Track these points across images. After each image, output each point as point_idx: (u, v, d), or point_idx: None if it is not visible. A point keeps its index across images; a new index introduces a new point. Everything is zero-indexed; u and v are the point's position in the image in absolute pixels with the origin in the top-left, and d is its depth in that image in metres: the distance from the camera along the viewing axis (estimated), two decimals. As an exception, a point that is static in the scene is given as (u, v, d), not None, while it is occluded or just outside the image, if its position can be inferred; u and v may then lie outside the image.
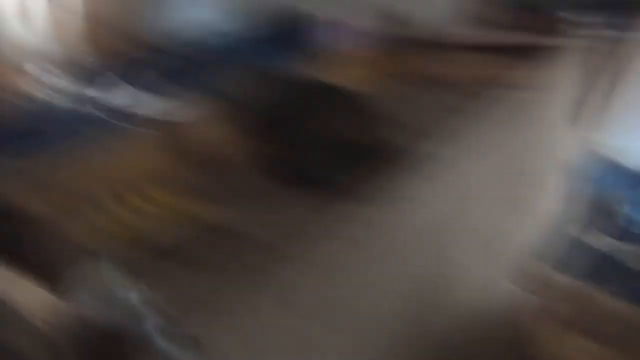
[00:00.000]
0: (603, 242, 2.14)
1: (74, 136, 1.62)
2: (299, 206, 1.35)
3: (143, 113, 1.64)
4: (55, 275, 0.99)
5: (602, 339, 1.30)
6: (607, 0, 2.32)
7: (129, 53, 3.13)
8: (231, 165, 1.47)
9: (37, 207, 1.10)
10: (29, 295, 0.69)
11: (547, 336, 1.41)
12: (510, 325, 1.50)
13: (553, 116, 1.77)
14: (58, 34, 2.80)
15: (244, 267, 0.93)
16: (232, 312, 0.70)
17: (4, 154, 1.18)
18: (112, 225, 1.19)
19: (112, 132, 1.42)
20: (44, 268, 1.04)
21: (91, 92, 2.80)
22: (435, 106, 1.97)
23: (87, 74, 2.90)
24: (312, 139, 1.46)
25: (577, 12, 2.33)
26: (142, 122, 1.46)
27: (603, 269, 1.97)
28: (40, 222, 1.07)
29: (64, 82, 2.80)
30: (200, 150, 1.43)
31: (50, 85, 2.78)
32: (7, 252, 0.95)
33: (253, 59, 1.91)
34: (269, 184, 1.44)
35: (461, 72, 2.14)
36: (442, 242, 1.23)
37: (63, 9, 2.78)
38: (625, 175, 2.60)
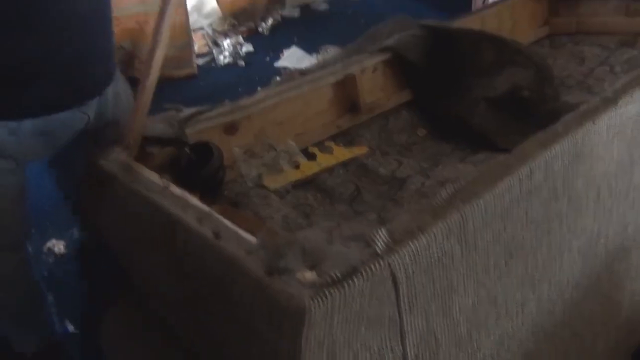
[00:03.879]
0: None
1: (248, 89, 1.71)
2: (461, 160, 1.32)
3: (307, 68, 1.68)
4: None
5: None
6: None
7: (288, 13, 3.25)
8: (395, 116, 1.47)
9: (231, 148, 1.19)
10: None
11: None
12: None
13: None
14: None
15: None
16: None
17: (195, 104, 1.29)
18: (291, 170, 1.26)
19: (284, 85, 1.47)
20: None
21: (256, 50, 2.96)
22: (612, 62, 1.79)
23: (251, 34, 3.07)
24: (478, 94, 1.40)
25: None
26: (309, 76, 1.50)
27: None
28: (231, 161, 1.17)
29: (232, 41, 3.00)
30: (367, 101, 1.44)
31: (221, 44, 2.98)
32: (204, 186, 1.04)
33: (410, 14, 1.86)
34: (434, 138, 1.42)
35: (636, 27, 1.91)
36: (637, 209, 1.12)
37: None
38: None
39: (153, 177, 0.94)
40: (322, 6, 3.48)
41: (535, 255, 0.89)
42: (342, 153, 1.36)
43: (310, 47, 2.97)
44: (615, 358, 1.24)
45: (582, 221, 0.97)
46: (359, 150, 1.38)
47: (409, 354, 0.74)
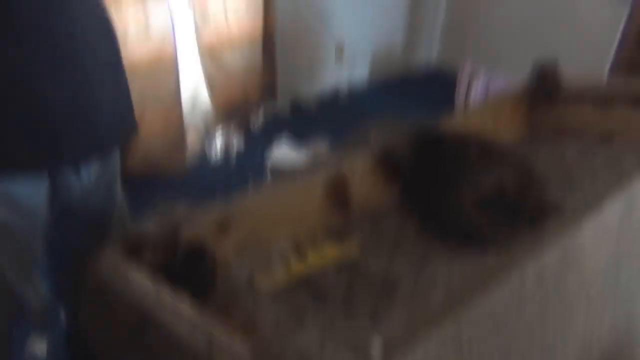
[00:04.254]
0: None
1: (239, 185, 1.74)
2: (454, 260, 1.33)
3: (298, 165, 1.73)
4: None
5: None
6: None
7: (279, 110, 3.37)
8: (386, 215, 1.49)
9: (222, 248, 1.20)
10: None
11: None
12: None
13: None
14: (214, 92, 3.09)
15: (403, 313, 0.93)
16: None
17: (186, 201, 1.31)
18: (282, 269, 1.26)
19: (275, 182, 1.51)
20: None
21: (248, 146, 3.04)
22: (593, 161, 1.86)
23: (243, 130, 3.16)
24: (466, 194, 1.44)
25: None
26: (300, 174, 1.55)
27: None
28: (222, 262, 1.17)
29: (223, 137, 3.07)
30: (358, 200, 1.47)
31: (213, 140, 3.06)
32: (195, 290, 1.03)
33: (397, 112, 1.95)
34: (424, 236, 1.43)
35: (619, 125, 2.00)
36: (624, 310, 1.12)
37: (220, 68, 3.07)
38: None
39: (145, 281, 0.93)
40: (313, 102, 3.61)
41: (531, 360, 0.89)
42: (333, 252, 1.36)
43: (300, 143, 3.06)
44: None
45: (573, 323, 0.97)
46: (350, 249, 1.38)
47: None
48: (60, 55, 0.96)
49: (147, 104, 2.67)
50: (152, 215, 1.15)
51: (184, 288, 0.95)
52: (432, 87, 3.84)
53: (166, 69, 2.69)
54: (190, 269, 1.05)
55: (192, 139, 3.02)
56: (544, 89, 2.12)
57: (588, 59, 3.13)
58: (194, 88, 3.08)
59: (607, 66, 3.06)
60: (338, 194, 1.49)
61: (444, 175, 1.57)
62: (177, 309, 0.83)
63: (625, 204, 1.08)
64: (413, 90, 3.79)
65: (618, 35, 3.04)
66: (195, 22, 2.86)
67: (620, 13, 2.99)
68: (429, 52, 4.10)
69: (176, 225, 1.13)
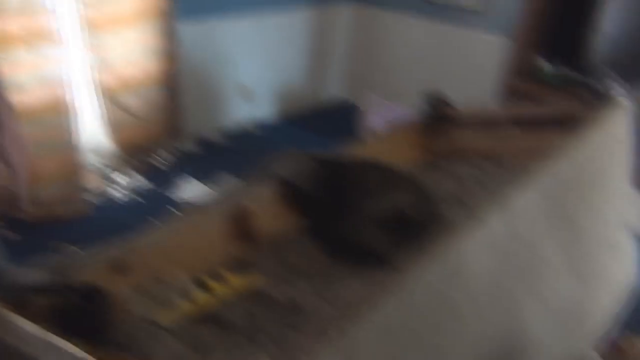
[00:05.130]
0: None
1: (144, 224, 1.71)
2: (354, 279, 1.37)
3: (203, 201, 1.73)
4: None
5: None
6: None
7: (184, 148, 3.35)
8: (289, 243, 1.52)
9: (119, 288, 1.16)
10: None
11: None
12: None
13: (611, 181, 1.74)
14: (115, 133, 3.03)
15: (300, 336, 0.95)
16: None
17: (85, 243, 1.27)
18: (185, 304, 1.24)
19: (178, 219, 1.50)
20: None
21: (152, 185, 2.97)
22: (482, 179, 2.00)
23: (147, 169, 3.10)
24: (366, 216, 1.50)
25: (616, 82, 2.36)
26: (204, 209, 1.55)
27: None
28: (120, 302, 1.13)
29: (126, 178, 3.00)
30: (262, 231, 1.48)
31: (115, 181, 2.97)
32: (90, 331, 1.00)
33: (303, 145, 2.01)
34: (326, 260, 1.47)
35: (505, 146, 2.18)
36: (510, 313, 1.20)
37: (120, 108, 3.03)
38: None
39: (32, 328, 0.88)
40: (218, 139, 3.61)
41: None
42: (238, 283, 1.36)
43: (206, 179, 3.03)
44: None
45: (463, 330, 1.02)
46: (255, 279, 1.39)
47: None
48: None
49: (42, 149, 2.56)
50: (40, 262, 1.11)
51: (78, 331, 0.91)
52: (337, 120, 3.96)
53: (61, 113, 2.61)
54: (83, 312, 1.01)
55: (93, 181, 2.92)
56: (436, 116, 2.27)
57: (475, 88, 3.37)
58: (93, 130, 3.00)
59: (493, 93, 3.31)
60: (241, 226, 1.50)
61: (346, 200, 1.63)
62: (65, 353, 0.80)
63: (506, 218, 1.17)
64: (318, 124, 3.89)
65: (500, 65, 3.30)
66: (94, 66, 2.81)
67: (502, 45, 3.26)
68: (333, 89, 4.25)
69: (67, 269, 1.09)
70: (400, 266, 0.93)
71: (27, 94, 2.47)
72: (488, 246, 1.10)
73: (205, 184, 2.99)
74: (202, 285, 1.32)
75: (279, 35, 3.74)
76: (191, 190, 2.92)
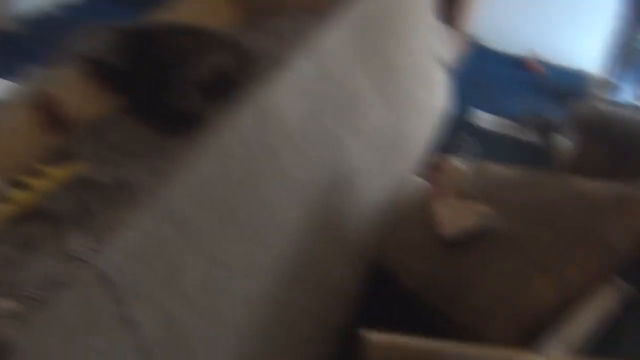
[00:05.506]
0: (491, 123, 2.29)
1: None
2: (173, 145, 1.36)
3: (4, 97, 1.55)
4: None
5: (492, 201, 1.42)
6: None
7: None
8: (108, 123, 1.44)
9: None
10: None
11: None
12: (418, 209, 1.60)
13: (417, 14, 1.83)
14: None
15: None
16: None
17: None
18: (2, 206, 1.15)
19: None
20: None
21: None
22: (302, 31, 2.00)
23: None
24: (185, 82, 1.45)
25: None
26: (4, 105, 1.39)
27: (494, 146, 2.13)
28: None
29: None
30: (73, 114, 1.38)
31: None
32: None
33: (110, 20, 1.83)
34: (149, 134, 1.42)
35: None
36: (333, 148, 1.27)
37: None
38: (499, 59, 2.77)
39: None
40: (14, 27, 3.18)
41: (254, 214, 0.97)
42: (58, 174, 1.28)
43: (8, 74, 2.70)
44: (355, 279, 1.41)
45: (288, 171, 1.07)
46: (77, 167, 1.31)
47: (148, 343, 0.75)
48: None
49: None
50: None
51: None
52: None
53: None
54: None
55: None
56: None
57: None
58: None
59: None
60: (50, 114, 1.38)
61: (162, 70, 1.54)
62: None
63: (315, 60, 1.19)
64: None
65: None
66: None
67: None
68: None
69: None
70: (214, 122, 0.93)
71: None
72: (299, 89, 1.13)
73: (6, 79, 2.66)
74: (19, 184, 1.23)
75: None
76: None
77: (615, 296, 1.26)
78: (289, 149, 1.07)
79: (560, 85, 2.59)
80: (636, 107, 2.14)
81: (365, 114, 1.42)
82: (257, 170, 0.97)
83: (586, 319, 1.18)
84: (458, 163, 1.80)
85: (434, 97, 2.00)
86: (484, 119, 2.31)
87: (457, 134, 2.13)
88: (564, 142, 2.03)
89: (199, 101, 1.45)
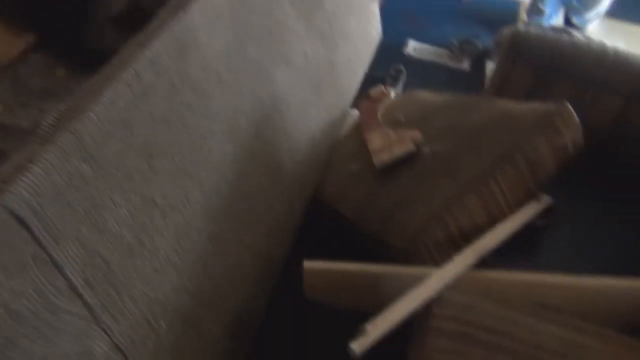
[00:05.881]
0: (422, 52, 2.30)
1: None
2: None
3: None
4: None
5: (422, 126, 1.45)
6: None
7: None
8: (21, 64, 1.35)
9: None
10: None
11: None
12: (352, 141, 1.61)
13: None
14: None
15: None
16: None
17: None
18: None
19: None
20: None
21: None
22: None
23: None
24: (96, 14, 1.36)
25: None
26: None
27: (427, 75, 2.15)
28: None
29: None
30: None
31: None
32: None
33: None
34: (62, 71, 1.35)
35: None
36: (261, 80, 1.25)
37: None
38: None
39: None
40: None
41: (179, 148, 0.95)
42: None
43: None
44: (293, 212, 1.43)
45: (214, 105, 1.05)
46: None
47: (76, 282, 0.74)
48: None
49: None
50: None
51: None
52: None
53: None
54: None
55: None
56: None
57: None
58: None
59: None
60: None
61: (75, 6, 1.45)
62: None
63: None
64: None
65: None
66: None
67: None
68: None
69: None
70: (116, 55, 0.88)
71: None
72: (219, 17, 1.08)
73: None
74: None
75: None
76: None
77: (536, 210, 1.33)
78: (213, 81, 1.04)
79: (491, 12, 2.62)
80: (563, 31, 2.19)
81: (293, 44, 1.40)
82: (182, 105, 0.95)
83: (504, 232, 1.24)
84: (390, 92, 1.81)
85: (364, 26, 1.98)
86: (416, 48, 2.32)
87: (389, 63, 2.13)
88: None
89: (115, 35, 1.38)
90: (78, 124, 0.75)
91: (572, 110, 1.34)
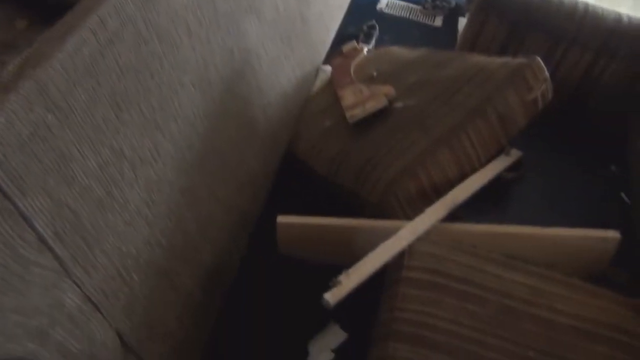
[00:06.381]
0: (396, 8, 2.28)
1: None
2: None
3: None
4: None
5: (395, 82, 1.45)
6: None
7: None
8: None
9: None
10: None
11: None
12: (325, 97, 1.60)
13: None
14: None
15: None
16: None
17: None
18: None
19: None
20: None
21: None
22: None
23: None
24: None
25: None
26: None
27: (400, 31, 2.14)
28: None
29: None
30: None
31: None
32: None
33: None
34: (39, 26, 1.30)
35: None
36: (231, 32, 1.22)
37: None
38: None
39: None
40: None
41: (148, 99, 0.93)
42: None
43: None
44: (266, 168, 1.42)
45: (183, 56, 1.02)
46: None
47: (45, 234, 0.72)
48: None
49: None
50: None
51: None
52: None
53: None
54: None
55: None
56: None
57: None
58: None
59: None
60: None
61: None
62: None
63: None
64: None
65: None
66: None
67: None
68: None
69: None
70: (92, 4, 0.85)
71: None
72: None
73: None
74: None
75: None
76: None
77: (506, 163, 1.35)
78: (182, 31, 1.01)
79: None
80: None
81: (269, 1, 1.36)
82: (150, 54, 0.92)
83: (474, 185, 1.26)
84: (363, 49, 1.79)
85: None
86: (389, 4, 2.29)
87: (362, 20, 2.10)
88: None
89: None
90: (41, 72, 0.72)
91: (543, 65, 1.35)
